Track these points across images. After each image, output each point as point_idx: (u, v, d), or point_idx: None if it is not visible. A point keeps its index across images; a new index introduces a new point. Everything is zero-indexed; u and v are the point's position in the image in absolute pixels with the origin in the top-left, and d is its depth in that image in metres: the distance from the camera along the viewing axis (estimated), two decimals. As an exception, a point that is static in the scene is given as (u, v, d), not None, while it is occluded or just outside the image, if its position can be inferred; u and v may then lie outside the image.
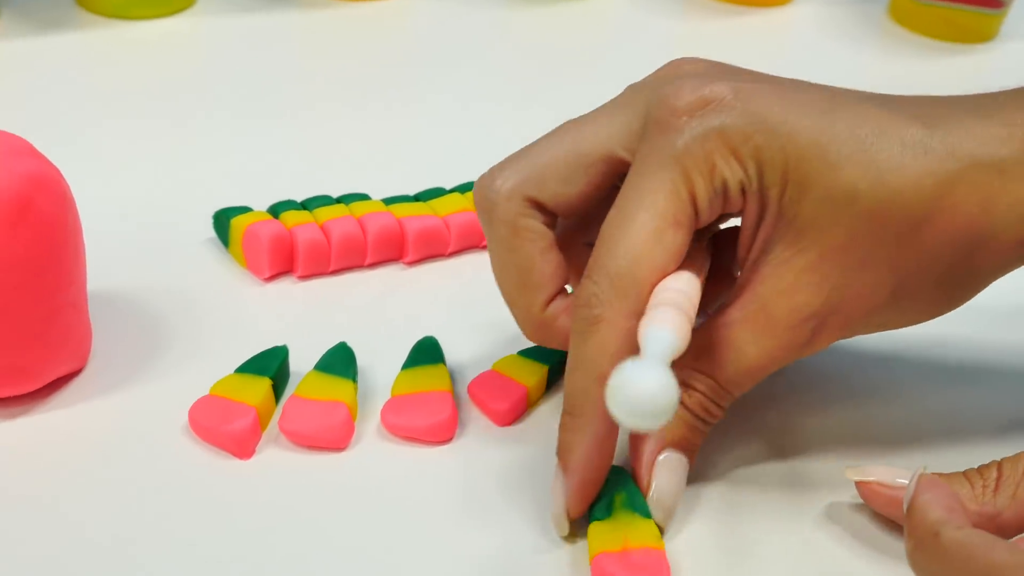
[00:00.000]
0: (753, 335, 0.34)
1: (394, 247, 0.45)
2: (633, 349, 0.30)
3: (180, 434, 0.37)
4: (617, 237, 0.33)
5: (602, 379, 0.30)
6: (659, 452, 0.35)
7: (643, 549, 0.33)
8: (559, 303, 0.36)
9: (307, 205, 0.45)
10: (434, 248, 0.45)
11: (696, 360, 0.34)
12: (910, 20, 0.69)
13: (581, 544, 0.34)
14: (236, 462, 0.36)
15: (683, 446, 0.35)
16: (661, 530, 0.34)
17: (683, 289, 0.32)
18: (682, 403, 0.34)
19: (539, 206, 0.35)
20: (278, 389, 0.38)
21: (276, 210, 0.45)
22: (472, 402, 0.39)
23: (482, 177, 0.36)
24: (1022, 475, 0.32)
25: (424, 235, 0.45)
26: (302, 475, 0.36)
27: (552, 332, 0.36)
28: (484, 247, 0.46)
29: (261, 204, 0.46)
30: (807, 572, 0.34)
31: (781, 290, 0.33)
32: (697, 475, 0.37)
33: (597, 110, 0.36)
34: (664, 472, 0.34)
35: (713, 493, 0.37)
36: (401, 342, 0.41)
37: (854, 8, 0.71)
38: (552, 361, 0.40)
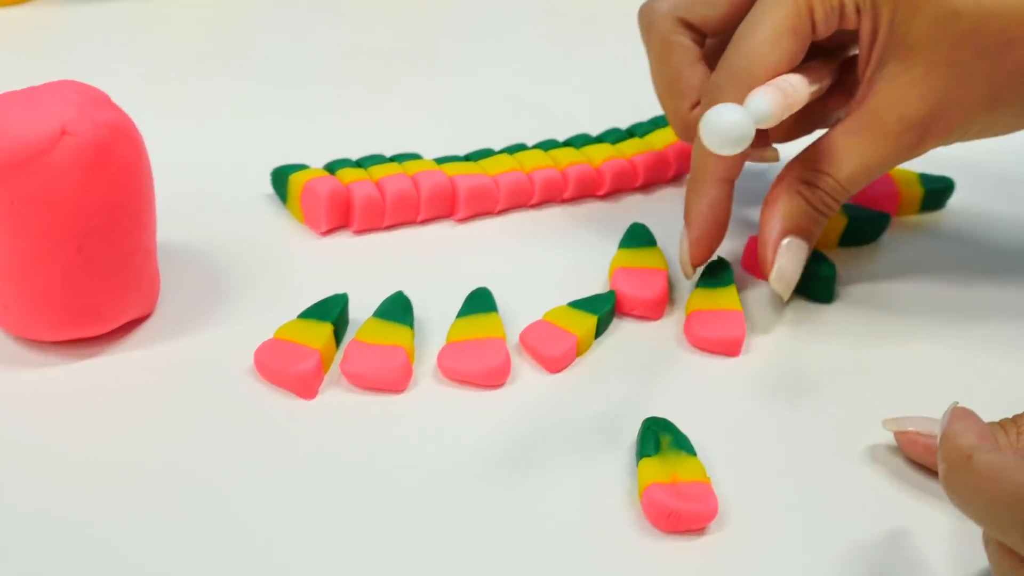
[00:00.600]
0: (867, 140, 0.40)
1: (446, 204, 0.46)
2: None
3: (245, 376, 0.39)
4: (740, 41, 0.39)
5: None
6: (783, 238, 0.41)
7: (692, 482, 0.34)
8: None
9: (362, 163, 0.47)
10: (484, 206, 0.47)
11: (818, 162, 0.40)
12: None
13: (629, 483, 0.36)
14: (300, 402, 0.38)
15: (803, 234, 0.41)
16: (782, 298, 0.42)
17: (790, 81, 0.38)
18: (805, 198, 0.40)
19: (688, 25, 0.43)
20: (339, 334, 0.40)
21: (332, 167, 0.47)
22: (523, 350, 0.40)
23: (645, 2, 0.44)
24: None
25: (475, 192, 0.46)
26: (362, 415, 0.38)
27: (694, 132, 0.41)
28: (531, 205, 0.48)
29: (317, 162, 0.47)
30: (847, 506, 0.36)
31: (892, 101, 0.39)
32: (742, 419, 0.38)
33: None
34: (787, 254, 0.41)
35: (758, 435, 0.38)
36: (453, 294, 0.42)
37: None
38: (601, 312, 0.41)
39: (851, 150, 0.40)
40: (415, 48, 0.60)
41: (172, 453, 0.36)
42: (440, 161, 0.48)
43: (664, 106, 0.44)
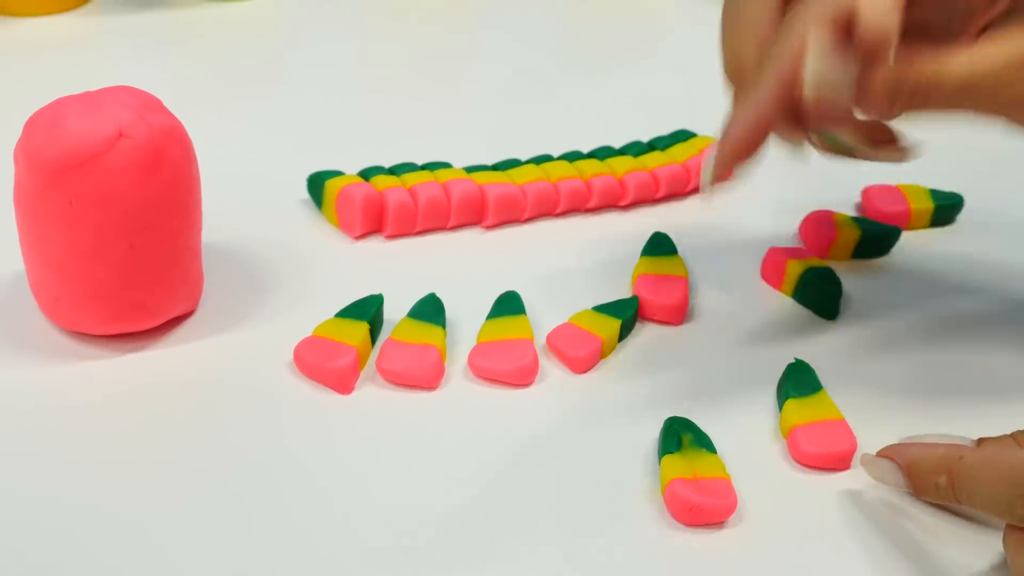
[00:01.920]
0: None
1: (475, 211, 0.48)
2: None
3: (284, 371, 0.40)
4: None
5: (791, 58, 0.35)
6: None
7: (712, 479, 0.36)
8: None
9: (395, 171, 0.49)
10: (512, 213, 0.49)
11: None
12: None
13: (651, 479, 0.37)
14: (337, 397, 0.40)
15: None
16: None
17: None
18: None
19: None
20: (374, 333, 0.42)
21: (367, 174, 0.48)
22: (550, 351, 0.42)
23: None
24: None
25: (504, 200, 0.48)
26: (397, 410, 0.39)
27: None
28: (556, 214, 0.50)
29: (352, 169, 0.49)
30: (859, 503, 0.37)
31: None
32: (760, 421, 0.40)
33: None
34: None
35: (775, 434, 0.40)
36: (482, 298, 0.44)
37: None
38: (624, 316, 0.43)
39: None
40: (447, 61, 0.62)
41: (213, 443, 0.37)
42: (469, 170, 0.49)
43: (731, 38, 0.40)
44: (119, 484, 0.36)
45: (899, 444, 0.37)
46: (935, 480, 0.35)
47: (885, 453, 0.37)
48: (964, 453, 0.34)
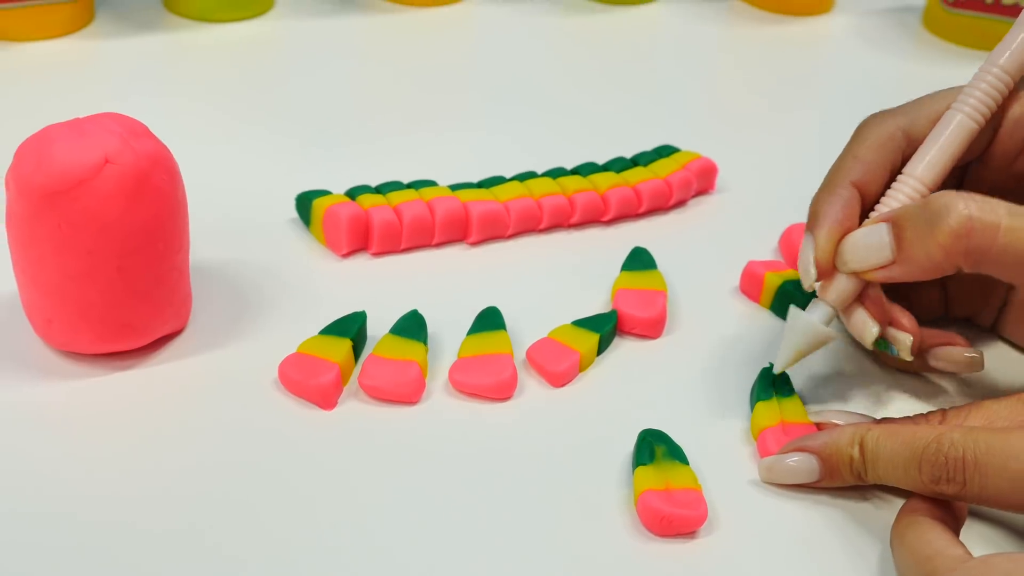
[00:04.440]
0: None
1: (459, 228, 0.49)
2: None
3: (270, 388, 0.41)
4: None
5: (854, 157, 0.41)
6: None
7: (684, 490, 0.37)
8: None
9: (381, 189, 0.50)
10: (495, 230, 0.50)
11: None
12: (942, 29, 0.72)
13: (626, 489, 0.38)
14: (320, 412, 0.41)
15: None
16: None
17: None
18: None
19: (909, 137, 0.42)
20: (357, 349, 0.43)
21: (353, 193, 0.50)
22: (530, 365, 0.43)
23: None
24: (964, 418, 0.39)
25: (487, 218, 0.49)
26: (379, 425, 0.40)
27: None
28: (540, 230, 0.50)
29: (339, 189, 0.50)
30: (828, 511, 0.38)
31: None
32: (734, 432, 0.41)
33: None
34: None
35: (747, 446, 0.41)
36: (465, 313, 0.45)
37: (890, 18, 0.75)
38: (603, 330, 0.44)
39: None
40: (431, 83, 0.63)
41: (200, 459, 0.38)
42: (454, 188, 0.51)
43: (834, 173, 0.42)
44: (110, 499, 0.37)
45: (798, 438, 0.39)
46: (850, 453, 0.37)
47: (791, 448, 0.39)
48: (871, 426, 0.38)
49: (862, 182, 0.41)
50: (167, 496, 0.37)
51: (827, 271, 0.40)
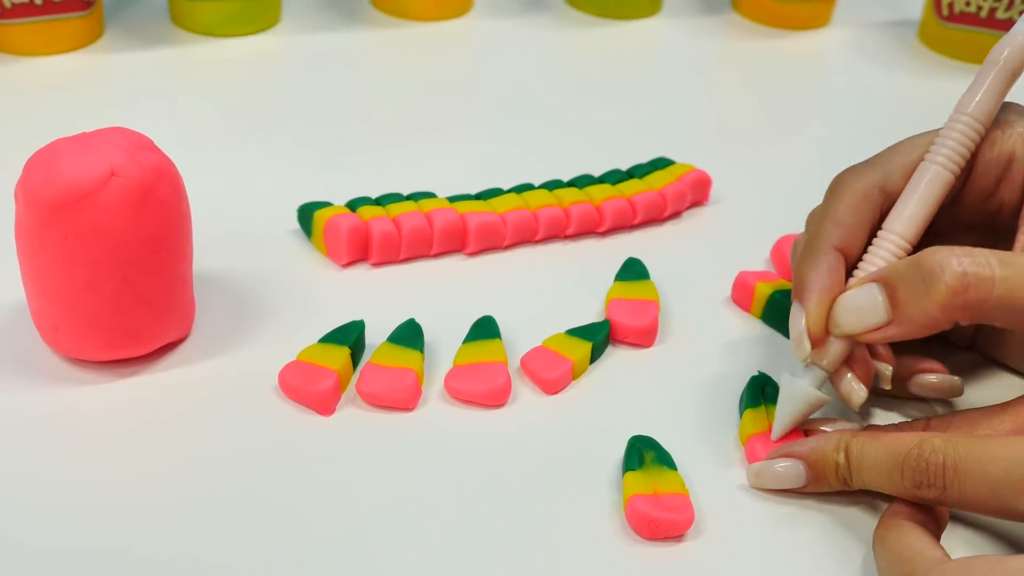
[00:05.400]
0: None
1: (457, 239, 0.50)
2: None
3: (270, 395, 0.43)
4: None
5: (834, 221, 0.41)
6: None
7: (671, 494, 0.38)
8: None
9: (380, 201, 0.51)
10: (492, 241, 0.51)
11: None
12: (938, 43, 0.73)
13: (615, 494, 0.39)
14: (319, 419, 0.42)
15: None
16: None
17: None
18: None
19: (884, 192, 0.42)
20: (355, 357, 0.44)
21: (353, 205, 0.51)
22: (524, 373, 0.44)
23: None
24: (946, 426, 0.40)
25: (484, 229, 0.50)
26: (376, 431, 0.41)
27: None
28: (536, 241, 0.52)
29: (339, 200, 0.52)
30: (813, 516, 0.39)
31: None
32: (722, 438, 0.42)
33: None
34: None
35: (734, 452, 0.41)
36: (461, 322, 0.46)
37: (886, 32, 0.76)
38: (595, 339, 0.45)
39: None
40: (432, 97, 0.64)
41: (202, 464, 0.40)
42: (452, 199, 0.52)
43: (815, 238, 0.42)
44: (113, 499, 0.38)
45: (784, 445, 0.40)
46: (836, 459, 0.38)
47: (778, 455, 0.40)
48: (856, 432, 0.39)
49: (843, 245, 0.41)
50: (171, 499, 0.38)
51: (821, 340, 0.40)
